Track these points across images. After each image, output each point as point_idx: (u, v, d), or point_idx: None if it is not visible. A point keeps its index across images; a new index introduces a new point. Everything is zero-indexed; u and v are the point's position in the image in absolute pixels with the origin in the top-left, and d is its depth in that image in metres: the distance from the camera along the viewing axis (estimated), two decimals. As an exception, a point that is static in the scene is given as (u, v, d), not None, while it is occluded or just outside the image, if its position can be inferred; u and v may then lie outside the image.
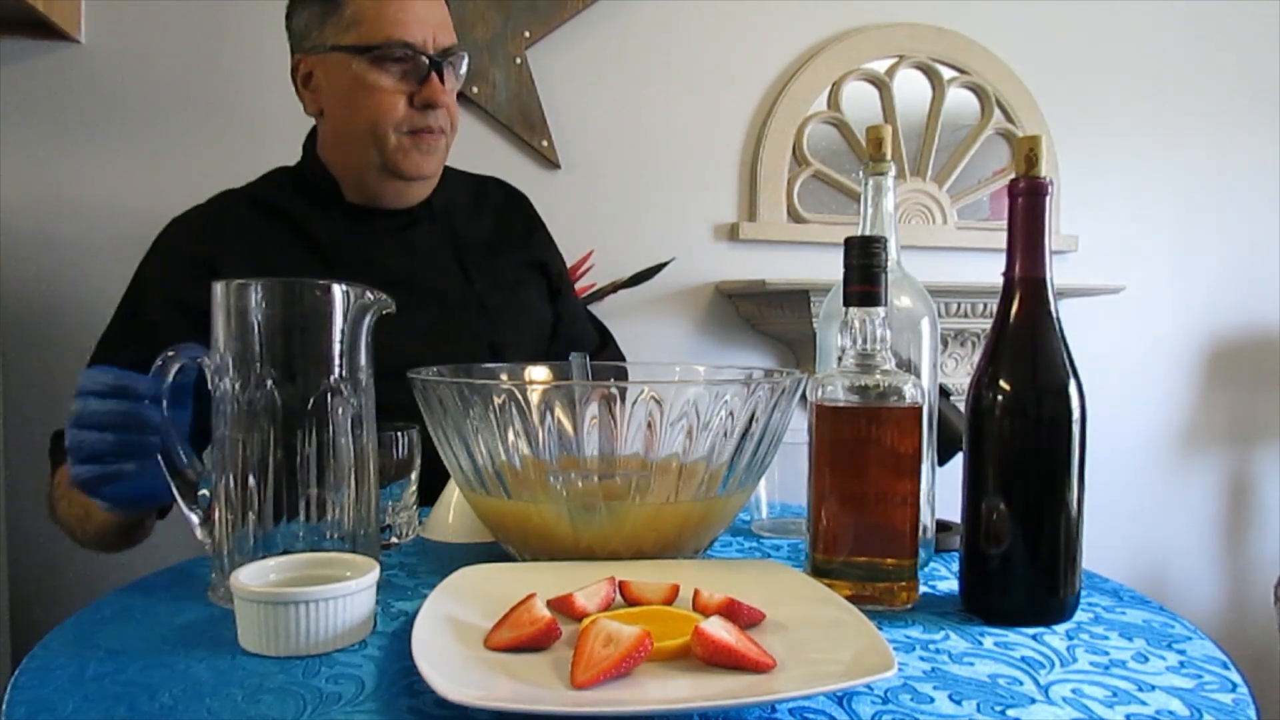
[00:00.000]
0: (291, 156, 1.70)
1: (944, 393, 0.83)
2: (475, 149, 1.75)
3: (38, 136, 1.60)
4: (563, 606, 0.58)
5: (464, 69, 1.10)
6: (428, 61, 1.03)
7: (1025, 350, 0.64)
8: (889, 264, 0.68)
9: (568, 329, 1.25)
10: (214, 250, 1.05)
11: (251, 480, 0.64)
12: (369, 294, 0.68)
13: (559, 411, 0.66)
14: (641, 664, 0.49)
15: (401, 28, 1.02)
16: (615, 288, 1.70)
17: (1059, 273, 2.25)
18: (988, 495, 0.64)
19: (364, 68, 1.03)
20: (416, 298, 0.96)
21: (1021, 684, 0.53)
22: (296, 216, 1.11)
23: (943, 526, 0.85)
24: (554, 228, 1.31)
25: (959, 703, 0.50)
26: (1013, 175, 0.65)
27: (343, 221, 1.11)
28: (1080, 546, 0.64)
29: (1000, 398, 0.64)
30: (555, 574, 0.64)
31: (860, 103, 1.94)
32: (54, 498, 0.97)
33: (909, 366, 0.76)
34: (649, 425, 0.67)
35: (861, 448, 0.65)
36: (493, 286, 1.15)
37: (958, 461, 0.85)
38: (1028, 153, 0.65)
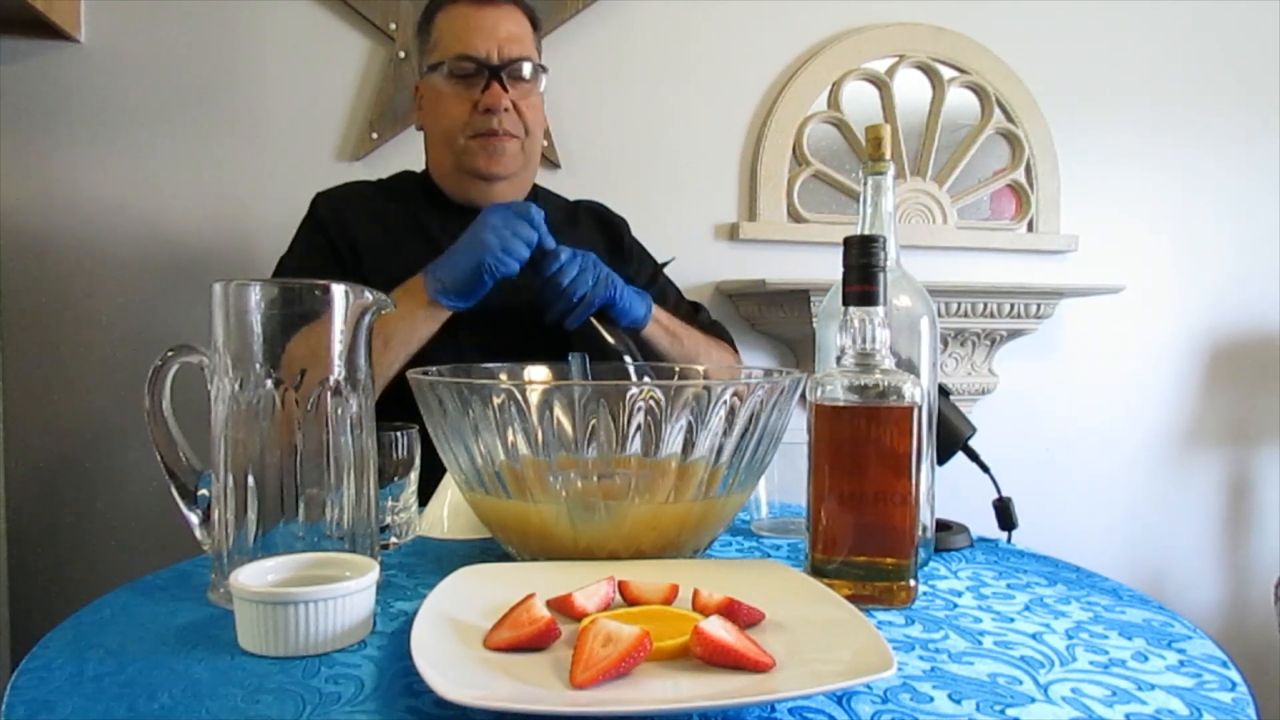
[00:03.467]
0: (291, 156, 1.71)
1: (944, 392, 0.83)
2: (475, 149, 1.76)
3: (38, 136, 1.60)
4: (562, 606, 0.58)
5: (530, 76, 1.21)
6: (488, 70, 1.16)
7: None
8: (888, 263, 0.68)
9: None
10: (353, 223, 1.23)
11: (251, 480, 0.64)
12: (368, 294, 0.68)
13: (558, 411, 0.66)
14: (641, 664, 0.49)
15: (466, 43, 1.16)
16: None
17: (1059, 273, 2.27)
18: None
19: (439, 82, 1.19)
20: (512, 284, 1.12)
21: (1021, 683, 0.53)
22: (407, 209, 1.27)
23: (943, 526, 0.85)
24: (553, 227, 1.31)
25: (958, 702, 0.50)
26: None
27: (452, 217, 1.24)
28: None
29: None
30: (555, 574, 0.64)
31: (860, 102, 1.94)
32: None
33: (909, 366, 0.76)
34: (649, 425, 0.67)
35: (861, 447, 0.65)
36: None
37: (957, 461, 0.86)
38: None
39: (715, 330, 1.34)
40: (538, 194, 1.34)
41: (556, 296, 1.06)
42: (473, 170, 1.21)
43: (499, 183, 1.22)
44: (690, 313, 1.35)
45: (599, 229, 1.37)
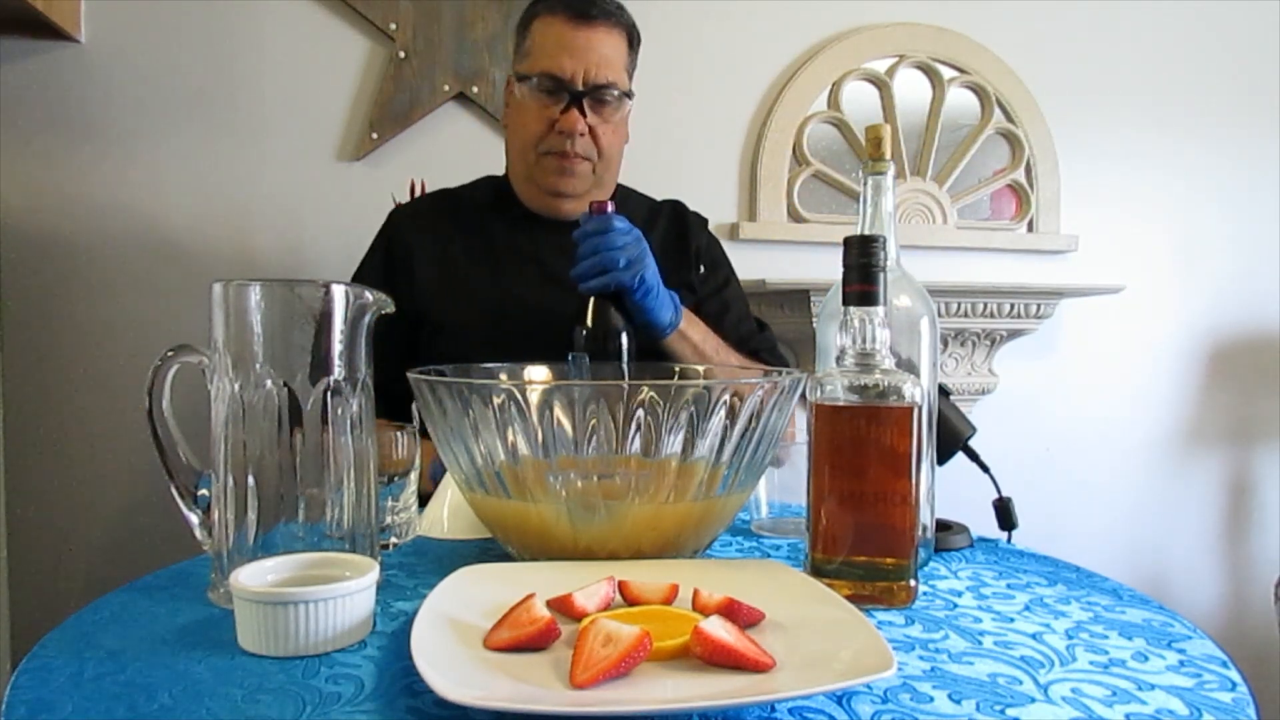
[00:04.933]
0: (291, 157, 1.71)
1: (944, 392, 0.83)
2: (476, 148, 1.76)
3: (38, 136, 1.60)
4: (562, 606, 0.58)
5: (613, 101, 1.19)
6: (570, 95, 1.16)
7: None
8: (888, 263, 0.68)
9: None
10: (413, 241, 1.27)
11: (251, 480, 0.64)
12: (368, 294, 0.68)
13: (558, 411, 0.66)
14: (641, 664, 0.49)
15: (554, 62, 1.16)
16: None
17: (1059, 273, 2.27)
18: None
19: (523, 91, 1.20)
20: (568, 293, 1.12)
21: (1021, 683, 0.53)
22: (476, 218, 1.29)
23: (943, 526, 0.85)
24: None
25: (958, 702, 0.50)
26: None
27: (519, 224, 1.27)
28: None
29: None
30: (555, 574, 0.64)
31: (860, 102, 1.94)
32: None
33: (909, 366, 0.76)
34: (649, 425, 0.67)
35: (861, 447, 0.65)
36: None
37: (957, 461, 0.86)
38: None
39: (766, 357, 1.29)
40: (621, 197, 1.31)
41: (584, 255, 1.04)
42: (543, 185, 1.22)
43: (567, 200, 1.23)
44: (752, 332, 1.32)
45: (673, 229, 1.34)
